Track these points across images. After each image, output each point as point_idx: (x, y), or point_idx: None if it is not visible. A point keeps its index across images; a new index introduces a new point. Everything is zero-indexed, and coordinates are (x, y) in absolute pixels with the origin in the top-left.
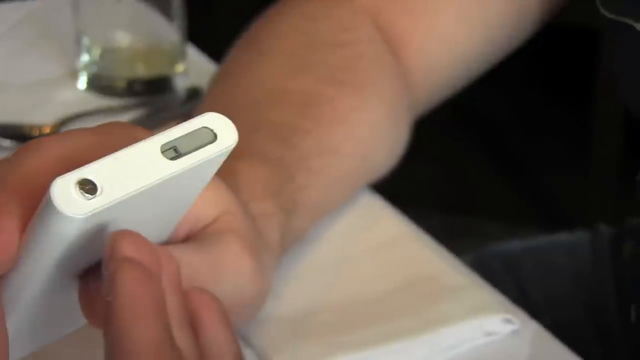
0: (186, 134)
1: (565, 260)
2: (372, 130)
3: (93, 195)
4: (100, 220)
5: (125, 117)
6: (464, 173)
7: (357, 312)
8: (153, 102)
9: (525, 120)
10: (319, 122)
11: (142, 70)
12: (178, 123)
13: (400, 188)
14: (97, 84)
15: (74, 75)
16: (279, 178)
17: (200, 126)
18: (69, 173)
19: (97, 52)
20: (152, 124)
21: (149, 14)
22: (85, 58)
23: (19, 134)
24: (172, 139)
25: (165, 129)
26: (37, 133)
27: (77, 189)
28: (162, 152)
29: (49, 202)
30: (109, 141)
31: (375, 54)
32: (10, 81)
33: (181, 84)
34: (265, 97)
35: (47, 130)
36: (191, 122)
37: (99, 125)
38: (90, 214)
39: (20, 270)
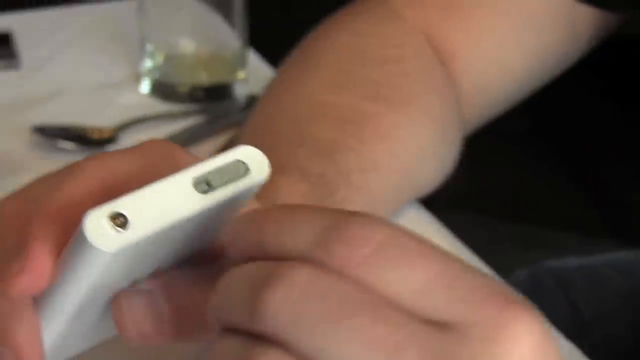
0: (219, 167)
1: (620, 279)
2: (417, 147)
3: (124, 229)
4: (131, 250)
5: (185, 123)
6: (535, 182)
7: None
8: (213, 108)
9: (600, 133)
10: (361, 138)
11: (203, 77)
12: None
13: (469, 194)
14: (159, 89)
15: (138, 80)
16: (319, 194)
17: (234, 159)
18: (101, 206)
19: (160, 58)
20: (211, 130)
21: (212, 22)
22: (148, 63)
23: (81, 137)
24: (204, 172)
25: (200, 161)
26: (97, 136)
27: (109, 222)
28: (195, 185)
29: (82, 234)
30: (148, 163)
31: (424, 71)
32: (76, 83)
33: (241, 91)
34: (309, 112)
35: (107, 133)
36: (225, 155)
37: (139, 145)
38: (120, 248)
39: (55, 290)
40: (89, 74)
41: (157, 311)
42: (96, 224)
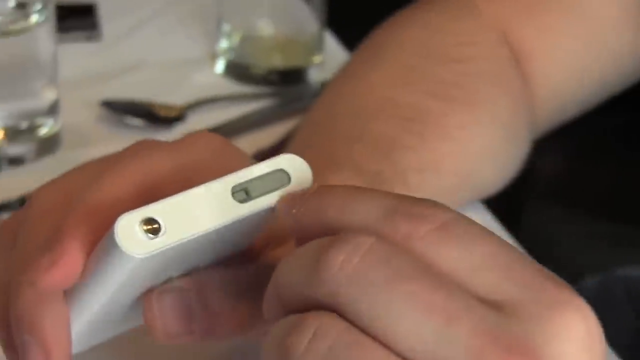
0: (260, 176)
1: None
2: (480, 149)
3: (156, 236)
4: (163, 254)
5: (257, 105)
6: (634, 179)
7: None
8: (286, 92)
9: None
10: (423, 137)
11: (279, 60)
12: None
13: (567, 191)
14: (233, 70)
15: (214, 59)
16: None
17: (276, 168)
18: (135, 210)
19: (236, 38)
20: (282, 114)
21: (291, 4)
22: (224, 43)
23: (149, 114)
24: (244, 180)
25: (241, 169)
26: (165, 114)
27: (141, 227)
28: (233, 193)
29: (112, 238)
30: (194, 159)
31: (497, 71)
32: (151, 59)
33: (316, 76)
34: (371, 107)
35: (175, 112)
36: (267, 163)
37: (188, 138)
38: (151, 253)
39: (84, 286)
40: (166, 50)
41: (188, 310)
42: (128, 229)
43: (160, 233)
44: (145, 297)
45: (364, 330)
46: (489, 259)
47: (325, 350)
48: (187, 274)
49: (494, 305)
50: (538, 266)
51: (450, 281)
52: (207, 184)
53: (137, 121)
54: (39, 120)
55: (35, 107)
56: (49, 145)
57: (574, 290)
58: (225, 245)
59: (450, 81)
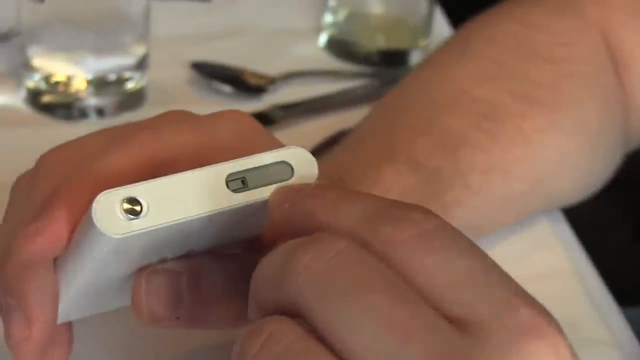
0: (260, 166)
1: None
2: (557, 155)
3: (136, 217)
4: (150, 236)
5: (354, 84)
6: None
7: None
8: (385, 73)
9: None
10: (496, 138)
11: (383, 41)
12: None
13: None
14: (335, 46)
15: (318, 32)
16: (425, 190)
17: (279, 160)
18: (118, 188)
19: (342, 13)
20: (375, 96)
21: None
22: (328, 18)
23: (238, 80)
24: (242, 169)
25: (242, 157)
26: (254, 82)
27: (121, 207)
28: (228, 181)
29: (90, 215)
30: (213, 140)
31: (590, 76)
32: (255, 25)
33: (418, 59)
34: (446, 100)
35: (265, 81)
36: (271, 154)
37: (212, 117)
38: (128, 235)
39: (70, 257)
40: (272, 19)
41: (177, 294)
42: (107, 207)
43: (142, 215)
44: (136, 275)
45: (320, 338)
46: (469, 274)
47: (274, 356)
48: (183, 256)
49: (463, 325)
50: (518, 288)
51: (419, 296)
52: (201, 169)
53: (225, 87)
54: (126, 74)
55: (124, 60)
56: (133, 100)
57: (551, 317)
58: (224, 233)
59: (537, 81)
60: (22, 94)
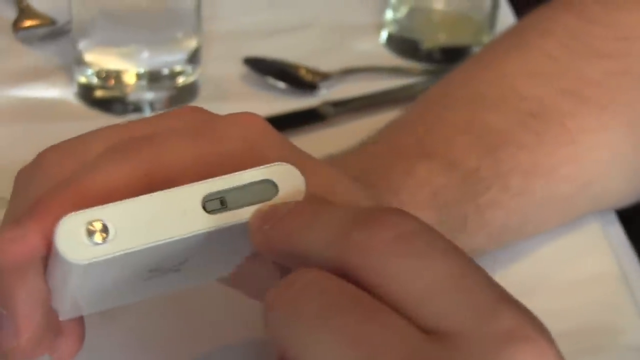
0: (241, 186)
1: None
2: (608, 157)
3: (102, 242)
4: (123, 260)
5: (411, 80)
6: None
7: None
8: (447, 71)
9: None
10: (541, 138)
11: (445, 37)
12: None
13: None
14: (395, 43)
15: (379, 29)
16: (458, 192)
17: (262, 178)
18: (83, 211)
19: (404, 10)
20: None
21: None
22: (389, 14)
23: (293, 77)
24: (220, 189)
25: (223, 175)
26: (311, 79)
27: (86, 231)
28: (205, 202)
29: (54, 240)
30: (218, 151)
31: None
32: (315, 22)
33: None
34: (492, 96)
35: (321, 77)
36: (252, 172)
37: (221, 121)
38: (93, 261)
39: (52, 267)
40: (333, 14)
41: None
42: (70, 231)
43: (109, 239)
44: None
45: None
46: (447, 279)
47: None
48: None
49: (440, 335)
50: (502, 293)
51: (391, 309)
52: (176, 189)
53: (278, 83)
54: (178, 68)
55: (175, 55)
56: (185, 94)
57: (539, 322)
58: (215, 255)
59: (590, 79)
60: (74, 88)
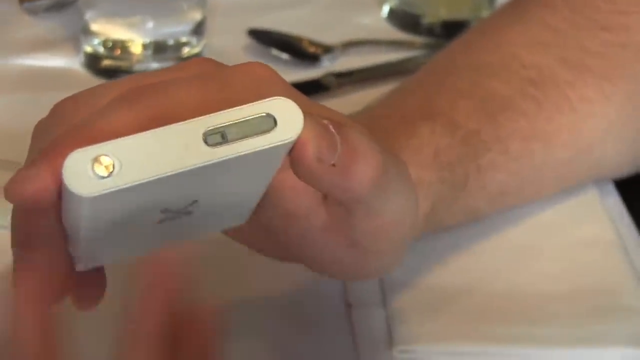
0: (240, 120)
1: None
2: (605, 126)
3: (108, 176)
4: (131, 194)
5: (411, 54)
6: None
7: (513, 304)
8: (443, 44)
9: None
10: (540, 105)
11: (446, 12)
12: None
13: None
14: (397, 16)
15: (381, 3)
16: (460, 151)
17: (261, 112)
18: (89, 147)
19: None
20: None
21: None
22: None
23: (296, 48)
24: (221, 123)
25: (221, 111)
26: (313, 50)
27: (92, 166)
28: (206, 136)
29: (62, 176)
30: (225, 97)
31: None
32: None
33: None
34: (494, 63)
35: (323, 49)
36: (252, 106)
37: (228, 69)
38: (100, 193)
39: (65, 210)
40: None
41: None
42: (77, 166)
43: (114, 173)
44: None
45: None
46: None
47: None
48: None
49: None
50: None
51: None
52: (177, 124)
53: (282, 54)
54: (183, 39)
55: (181, 26)
56: None
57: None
58: (224, 188)
59: (591, 50)
60: (81, 58)
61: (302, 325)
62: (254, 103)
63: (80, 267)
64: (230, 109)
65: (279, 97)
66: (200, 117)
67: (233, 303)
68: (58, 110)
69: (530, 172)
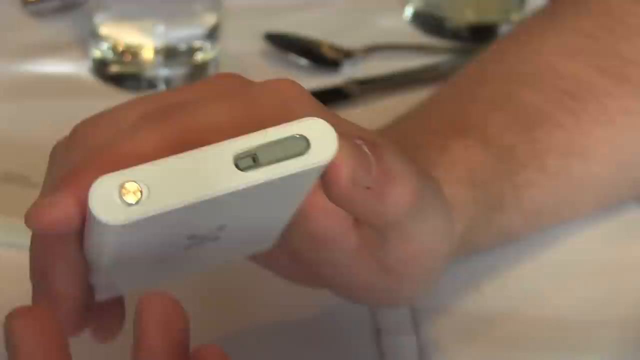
0: (272, 142)
1: None
2: None
3: (136, 203)
4: (159, 221)
5: (437, 59)
6: None
7: (554, 331)
8: (473, 49)
9: None
10: (578, 117)
11: (473, 15)
12: None
13: None
14: (421, 20)
15: (404, 5)
16: (495, 168)
17: (293, 134)
18: (115, 173)
19: None
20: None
21: None
22: None
23: (316, 53)
24: (252, 145)
25: (252, 133)
26: (333, 55)
27: (119, 192)
28: (237, 159)
29: (89, 203)
30: (251, 116)
31: None
32: None
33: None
34: (527, 73)
35: (343, 54)
36: (284, 127)
37: (255, 86)
38: (128, 221)
39: (88, 237)
40: None
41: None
42: (104, 193)
43: (142, 200)
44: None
45: None
46: None
47: None
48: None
49: None
50: None
51: None
52: (207, 147)
53: (300, 60)
54: (196, 44)
55: (194, 30)
56: (203, 71)
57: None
58: (256, 207)
59: (629, 58)
60: (89, 63)
61: (331, 350)
62: (286, 124)
63: (100, 296)
64: (261, 131)
65: (311, 118)
66: (230, 140)
67: (258, 328)
68: (79, 131)
69: (568, 189)
